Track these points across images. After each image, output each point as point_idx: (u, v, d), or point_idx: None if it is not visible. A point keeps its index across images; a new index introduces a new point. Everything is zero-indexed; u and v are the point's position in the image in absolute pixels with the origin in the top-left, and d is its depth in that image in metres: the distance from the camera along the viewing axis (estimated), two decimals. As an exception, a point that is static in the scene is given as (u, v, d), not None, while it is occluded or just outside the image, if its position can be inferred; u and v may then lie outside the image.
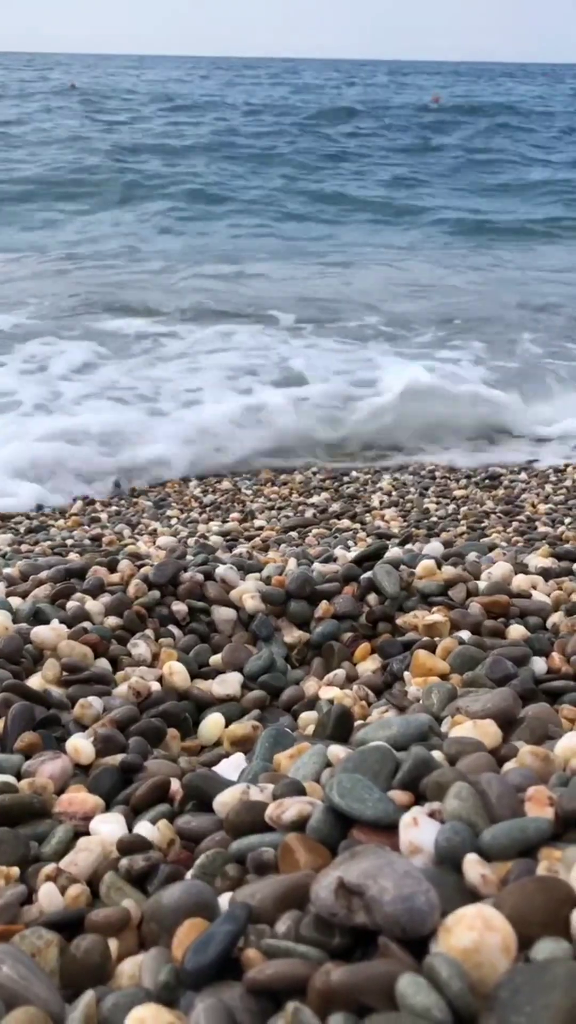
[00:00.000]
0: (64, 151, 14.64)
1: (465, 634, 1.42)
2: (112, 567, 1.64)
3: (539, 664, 1.33)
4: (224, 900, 0.76)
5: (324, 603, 1.56)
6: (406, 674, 1.35)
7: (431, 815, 0.77)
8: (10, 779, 1.00)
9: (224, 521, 2.97)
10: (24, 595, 1.54)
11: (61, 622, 1.42)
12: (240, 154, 15.25)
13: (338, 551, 1.92)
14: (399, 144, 17.48)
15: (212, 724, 1.27)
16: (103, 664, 1.36)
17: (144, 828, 0.91)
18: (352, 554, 1.80)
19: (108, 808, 0.98)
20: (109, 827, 0.92)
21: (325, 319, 6.36)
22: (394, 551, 1.75)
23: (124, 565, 1.63)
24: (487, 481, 3.56)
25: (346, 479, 3.67)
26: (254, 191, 12.46)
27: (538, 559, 1.80)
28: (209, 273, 7.95)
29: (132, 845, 0.87)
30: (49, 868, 0.84)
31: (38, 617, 1.44)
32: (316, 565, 1.69)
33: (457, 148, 17.12)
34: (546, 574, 1.68)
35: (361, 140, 17.79)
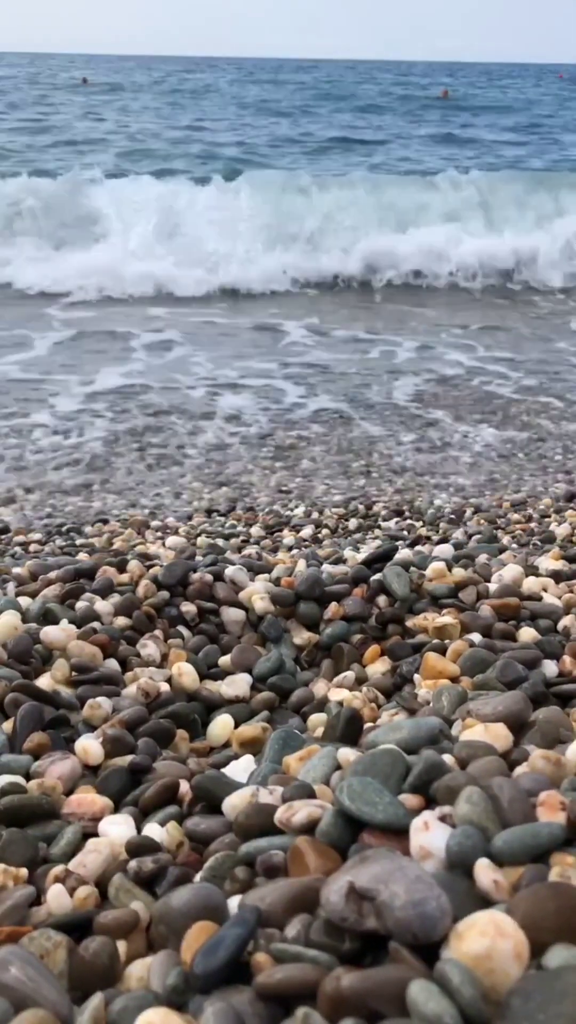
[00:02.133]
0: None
1: (476, 636, 1.41)
2: (121, 567, 1.64)
3: (550, 667, 1.33)
4: (233, 903, 0.75)
5: (334, 604, 1.56)
6: (416, 676, 1.35)
7: (442, 819, 0.76)
8: (19, 780, 1.00)
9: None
10: (33, 595, 1.53)
11: (70, 622, 1.41)
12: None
13: (347, 552, 1.91)
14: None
15: (221, 725, 1.26)
16: (112, 664, 1.36)
17: (153, 830, 0.90)
18: (362, 555, 1.79)
19: (117, 809, 0.98)
20: (118, 828, 0.92)
21: None
22: (404, 553, 1.74)
23: (133, 565, 1.63)
24: None
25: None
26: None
27: (549, 561, 1.79)
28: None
29: (141, 847, 0.86)
30: (58, 869, 0.84)
31: (47, 617, 1.44)
32: (326, 566, 1.69)
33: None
34: (557, 576, 1.67)
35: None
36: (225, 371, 5.59)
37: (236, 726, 1.26)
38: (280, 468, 3.97)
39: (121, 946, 0.76)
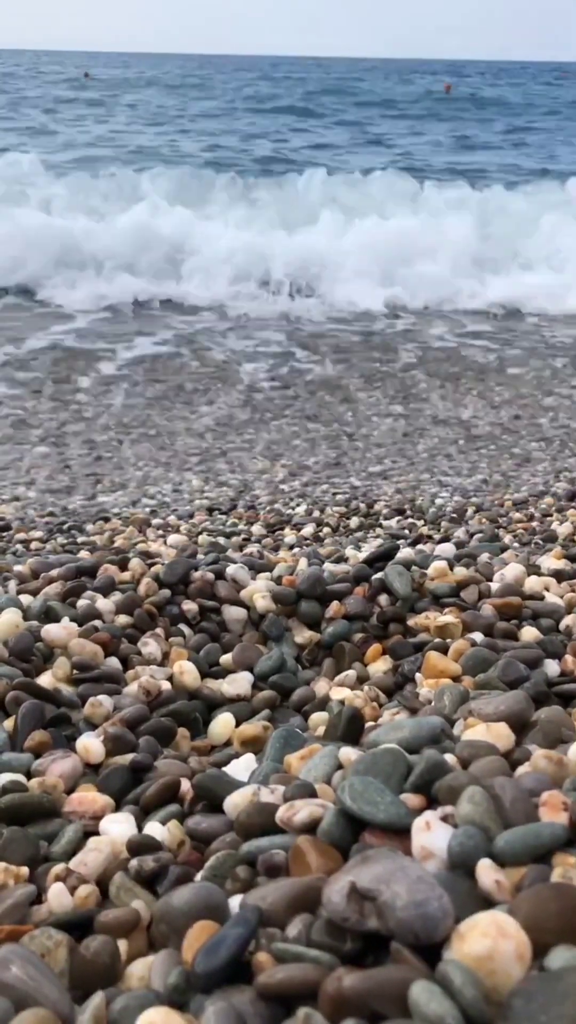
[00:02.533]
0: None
1: (477, 636, 1.41)
2: (123, 565, 1.64)
3: (552, 667, 1.32)
4: (235, 903, 0.75)
5: (335, 603, 1.55)
6: (418, 675, 1.34)
7: (444, 819, 0.76)
8: (20, 778, 1.00)
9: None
10: (35, 592, 1.53)
11: (72, 620, 1.41)
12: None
13: (349, 551, 1.91)
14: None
15: (222, 724, 1.26)
16: (113, 663, 1.36)
17: (154, 828, 0.90)
18: (363, 554, 1.79)
19: (118, 808, 0.98)
20: (119, 827, 0.91)
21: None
22: (406, 552, 1.74)
23: (135, 563, 1.63)
24: None
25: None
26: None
27: (551, 560, 1.79)
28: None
29: (142, 845, 0.86)
30: (59, 868, 0.84)
31: (49, 615, 1.44)
32: (327, 565, 1.68)
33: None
34: (559, 576, 1.67)
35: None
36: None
37: (237, 725, 1.26)
38: (282, 466, 3.98)
39: (122, 945, 0.76)
